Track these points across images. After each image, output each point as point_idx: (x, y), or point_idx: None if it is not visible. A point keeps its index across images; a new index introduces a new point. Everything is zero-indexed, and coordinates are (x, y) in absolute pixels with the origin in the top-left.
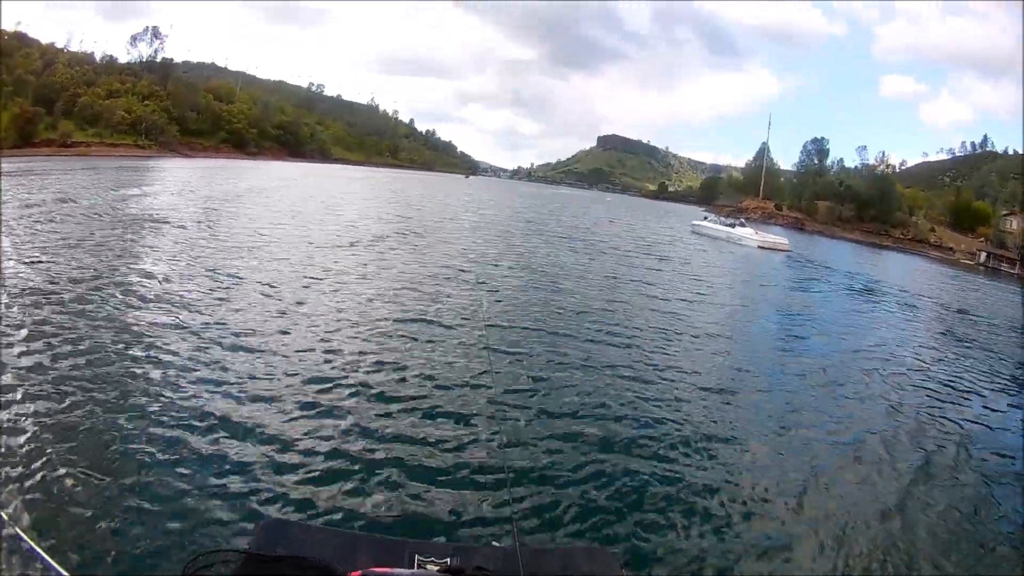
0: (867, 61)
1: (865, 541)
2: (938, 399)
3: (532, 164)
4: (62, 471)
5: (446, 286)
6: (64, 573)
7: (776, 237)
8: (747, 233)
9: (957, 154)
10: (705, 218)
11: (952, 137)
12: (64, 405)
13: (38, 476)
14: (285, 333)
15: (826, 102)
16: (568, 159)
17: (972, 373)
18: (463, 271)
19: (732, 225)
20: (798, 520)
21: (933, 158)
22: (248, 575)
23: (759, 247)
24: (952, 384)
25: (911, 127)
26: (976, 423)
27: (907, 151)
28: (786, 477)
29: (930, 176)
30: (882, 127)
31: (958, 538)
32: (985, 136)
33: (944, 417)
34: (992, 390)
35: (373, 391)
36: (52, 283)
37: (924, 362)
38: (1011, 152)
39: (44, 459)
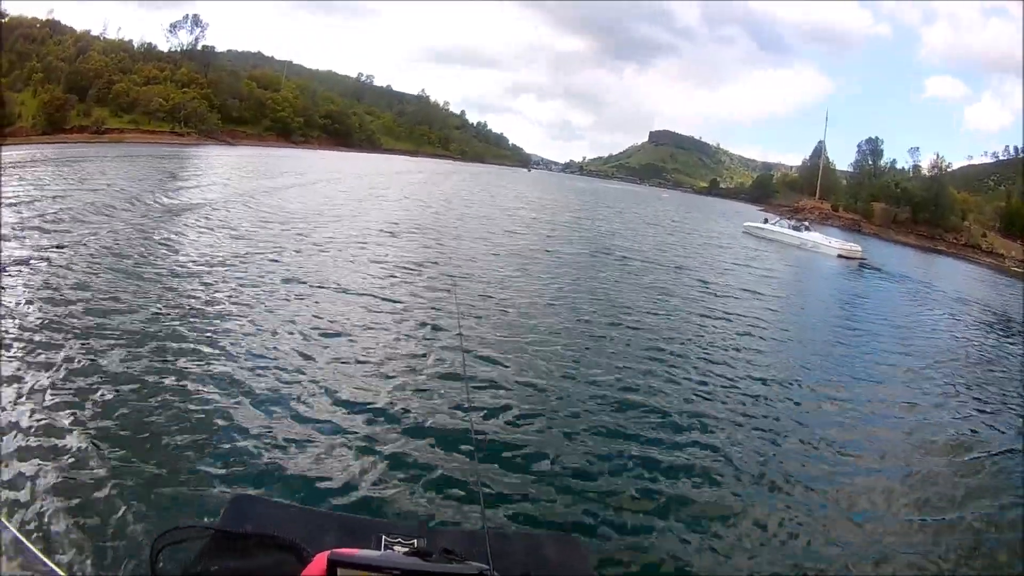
0: (912, 63)
1: (844, 549)
2: None
3: (584, 158)
4: (33, 452)
5: (419, 277)
6: (34, 549)
7: (851, 244)
8: (821, 239)
9: (1000, 158)
10: (766, 220)
11: (994, 140)
12: (46, 388)
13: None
14: (261, 320)
15: (872, 102)
16: (619, 153)
17: None
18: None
19: (798, 228)
20: (779, 524)
21: (976, 161)
22: (216, 552)
23: (839, 256)
24: None
25: (954, 129)
26: None
27: (950, 153)
28: (776, 480)
29: (974, 179)
30: (926, 129)
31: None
32: None
33: None
34: None
35: (346, 374)
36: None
37: None
38: None
39: (15, 441)
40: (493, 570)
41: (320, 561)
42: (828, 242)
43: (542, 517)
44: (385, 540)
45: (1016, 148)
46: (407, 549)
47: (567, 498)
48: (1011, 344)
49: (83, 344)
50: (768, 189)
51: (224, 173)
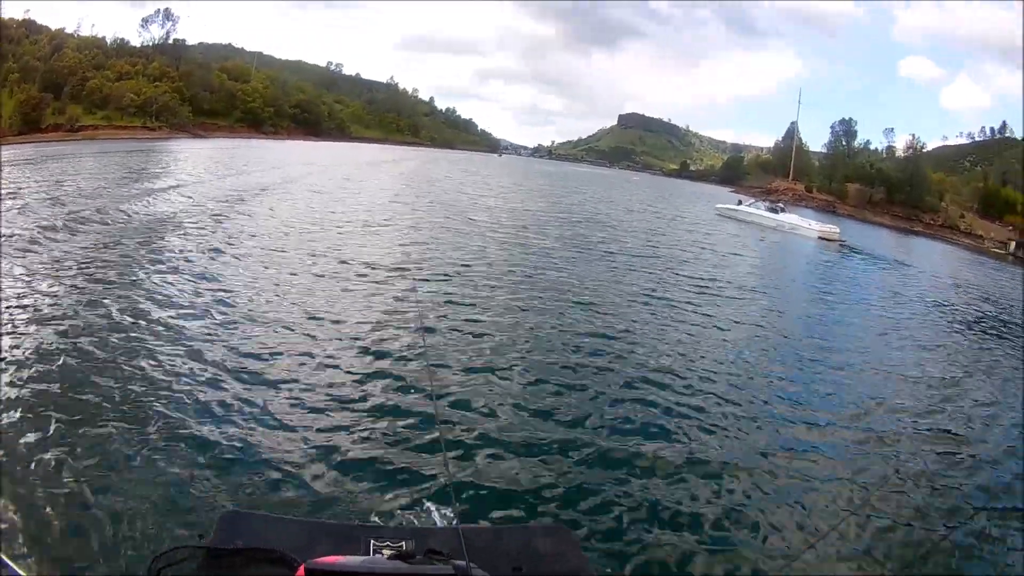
0: (887, 44)
1: (838, 546)
2: None
3: (553, 142)
4: (19, 477)
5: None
6: None
7: (830, 226)
8: (800, 221)
9: (976, 139)
10: (740, 202)
11: (969, 121)
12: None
13: None
14: (235, 326)
15: (845, 84)
16: (589, 137)
17: None
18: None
19: (774, 210)
20: (773, 511)
21: (952, 142)
22: (210, 570)
23: (819, 238)
24: None
25: (929, 110)
26: None
27: (924, 134)
28: (766, 466)
29: (950, 160)
30: (901, 110)
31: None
32: (1004, 122)
33: None
34: None
35: (318, 385)
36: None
37: None
38: None
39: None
40: (470, 566)
41: (301, 573)
42: (808, 224)
43: (532, 511)
44: (374, 544)
45: (992, 129)
46: (393, 552)
47: (554, 491)
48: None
49: (60, 365)
50: (738, 171)
51: (191, 171)
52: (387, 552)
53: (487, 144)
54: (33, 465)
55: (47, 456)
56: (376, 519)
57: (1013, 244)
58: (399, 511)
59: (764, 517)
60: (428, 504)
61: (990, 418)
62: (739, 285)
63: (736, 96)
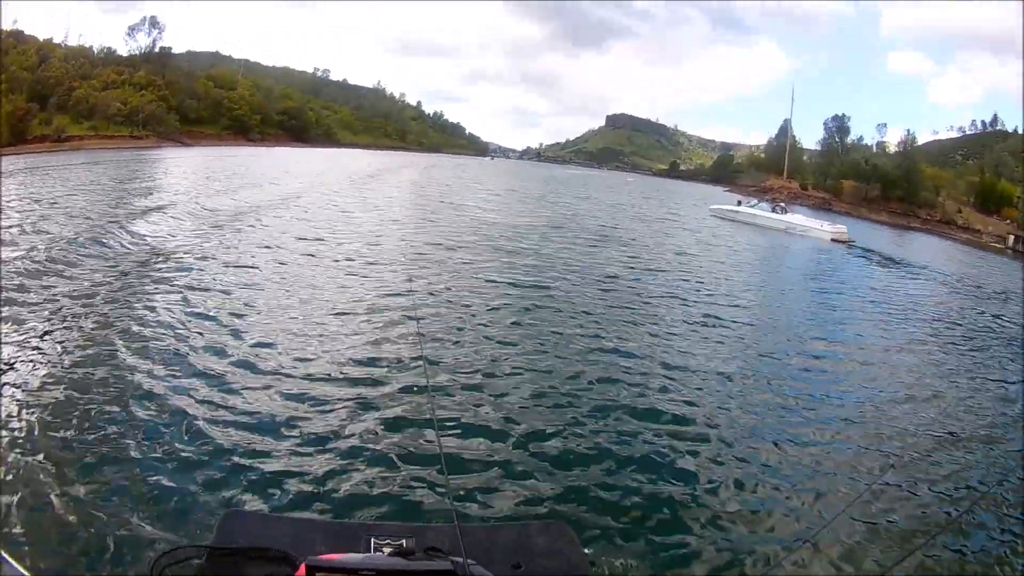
0: (874, 38)
1: (837, 542)
2: None
3: (541, 144)
4: (26, 473)
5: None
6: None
7: (839, 226)
8: (811, 223)
9: (967, 132)
10: (739, 202)
11: (959, 115)
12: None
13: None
14: (237, 334)
15: (834, 80)
16: (577, 138)
17: None
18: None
19: (775, 210)
20: (773, 507)
21: (943, 135)
22: (213, 569)
23: (832, 240)
24: None
25: (919, 105)
26: None
27: (915, 129)
28: (767, 461)
29: (941, 154)
30: (890, 105)
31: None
32: (995, 115)
33: None
34: None
35: (316, 386)
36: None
37: None
38: (1021, 131)
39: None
40: (468, 563)
41: (303, 570)
42: (820, 225)
43: (530, 507)
44: (374, 542)
45: (984, 122)
46: (393, 549)
47: (549, 486)
48: None
49: (63, 368)
50: (729, 169)
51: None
52: (387, 549)
53: (475, 148)
54: (36, 470)
55: (50, 462)
56: (376, 517)
57: (1012, 238)
58: (398, 509)
59: (764, 512)
60: (427, 502)
61: (996, 416)
62: (767, 294)
63: (724, 94)
